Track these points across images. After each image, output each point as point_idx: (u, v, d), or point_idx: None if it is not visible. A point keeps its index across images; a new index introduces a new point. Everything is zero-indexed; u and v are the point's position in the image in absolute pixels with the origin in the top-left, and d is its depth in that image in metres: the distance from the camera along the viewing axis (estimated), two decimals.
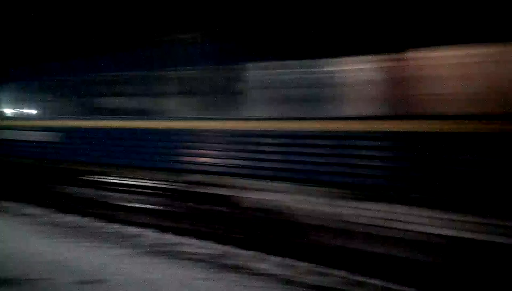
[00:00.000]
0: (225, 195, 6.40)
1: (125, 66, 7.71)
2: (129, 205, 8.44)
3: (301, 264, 5.41)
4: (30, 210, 8.93)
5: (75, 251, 5.90)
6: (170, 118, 6.92)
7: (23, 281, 4.18)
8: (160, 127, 7.00)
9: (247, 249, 6.03)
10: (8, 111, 10.27)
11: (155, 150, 7.02)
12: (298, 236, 5.75)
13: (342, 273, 5.01)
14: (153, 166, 7.09)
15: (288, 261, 5.53)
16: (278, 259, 5.63)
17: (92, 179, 8.76)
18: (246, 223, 6.37)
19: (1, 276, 4.15)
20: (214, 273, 5.03)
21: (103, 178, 8.52)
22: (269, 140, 5.78)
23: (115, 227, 7.45)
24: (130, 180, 8.05)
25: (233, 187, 6.23)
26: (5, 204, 9.55)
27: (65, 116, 8.67)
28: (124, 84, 7.88)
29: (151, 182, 7.66)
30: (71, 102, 8.79)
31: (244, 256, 5.86)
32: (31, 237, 6.63)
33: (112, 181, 8.48)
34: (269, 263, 5.51)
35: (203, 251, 6.05)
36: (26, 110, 9.90)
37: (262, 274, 5.09)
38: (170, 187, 7.27)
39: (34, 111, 9.74)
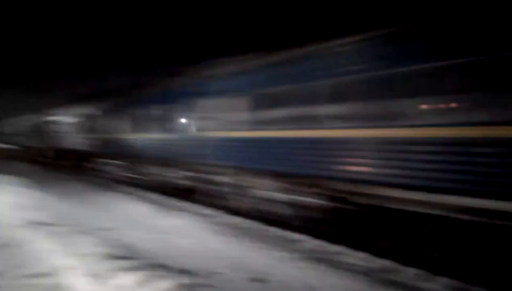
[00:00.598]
0: (391, 208, 5.95)
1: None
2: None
3: (474, 288, 4.77)
4: (206, 210, 10.20)
5: (243, 250, 6.47)
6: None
7: (201, 273, 4.78)
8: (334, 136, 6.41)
9: (409, 265, 5.61)
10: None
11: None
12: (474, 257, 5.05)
13: None
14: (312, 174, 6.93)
15: (459, 283, 4.94)
16: (446, 280, 5.09)
17: None
18: (411, 238, 5.91)
19: (183, 267, 4.84)
20: (377, 288, 4.83)
21: None
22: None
23: (277, 230, 7.86)
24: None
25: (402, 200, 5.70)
26: (181, 204, 11.17)
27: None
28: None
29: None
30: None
31: (406, 273, 5.47)
32: (207, 234, 7.55)
33: None
34: (438, 284, 5.01)
35: (362, 263, 5.88)
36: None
37: None
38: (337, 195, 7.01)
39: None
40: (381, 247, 6.11)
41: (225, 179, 9.55)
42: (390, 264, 5.75)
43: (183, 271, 4.39)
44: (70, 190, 12.86)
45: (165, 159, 11.90)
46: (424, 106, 5.41)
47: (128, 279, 3.60)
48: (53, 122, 25.55)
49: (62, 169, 22.12)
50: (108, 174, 16.90)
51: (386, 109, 5.70)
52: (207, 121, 9.68)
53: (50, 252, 4.61)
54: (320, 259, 6.09)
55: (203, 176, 10.59)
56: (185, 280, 3.62)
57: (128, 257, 4.33)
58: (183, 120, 10.95)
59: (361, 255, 6.15)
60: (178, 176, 11.79)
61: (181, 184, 11.66)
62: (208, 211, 10.10)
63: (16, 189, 9.51)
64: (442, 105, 5.22)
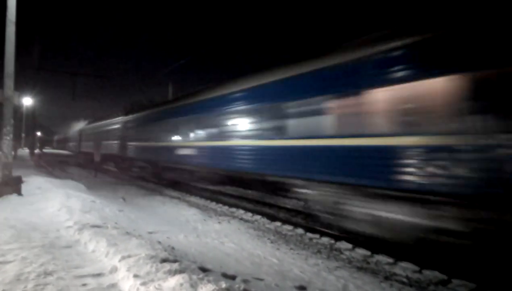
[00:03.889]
0: None
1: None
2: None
3: None
4: (247, 216, 10.29)
5: (283, 256, 6.46)
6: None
7: (243, 278, 4.82)
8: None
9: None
10: None
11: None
12: None
13: None
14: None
15: None
16: None
17: None
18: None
19: (225, 272, 4.90)
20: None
21: None
22: None
23: (325, 239, 7.80)
24: None
25: None
26: (225, 209, 11.32)
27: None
28: None
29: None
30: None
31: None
32: (249, 239, 7.61)
33: None
34: None
35: (418, 276, 5.71)
36: None
37: None
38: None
39: None
40: None
41: None
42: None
43: (225, 276, 4.46)
44: (116, 194, 13.39)
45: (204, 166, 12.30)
46: None
47: (172, 281, 3.69)
48: (99, 130, 26.78)
49: (108, 173, 23.10)
50: (154, 179, 17.45)
51: None
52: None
53: (100, 253, 4.83)
54: (372, 270, 5.96)
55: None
56: (228, 284, 3.67)
57: (172, 259, 4.45)
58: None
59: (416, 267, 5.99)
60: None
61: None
62: (248, 215, 10.20)
63: (66, 191, 10.04)
64: None
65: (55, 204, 8.24)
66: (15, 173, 10.29)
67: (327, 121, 7.26)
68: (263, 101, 9.24)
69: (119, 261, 4.35)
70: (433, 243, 6.46)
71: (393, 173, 5.92)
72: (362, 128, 6.50)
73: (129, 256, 4.45)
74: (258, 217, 9.96)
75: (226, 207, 11.51)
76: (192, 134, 13.05)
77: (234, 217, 10.10)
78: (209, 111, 11.78)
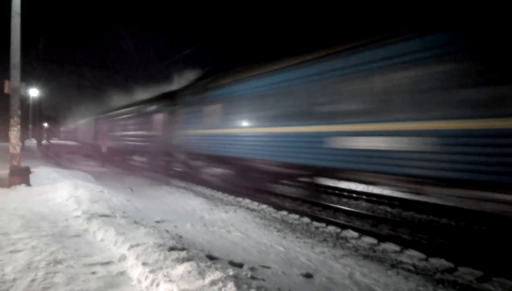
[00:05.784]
0: None
1: None
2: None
3: None
4: (253, 205, 10.33)
5: (289, 244, 6.50)
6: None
7: (250, 266, 4.86)
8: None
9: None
10: None
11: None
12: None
13: None
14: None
15: None
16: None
17: None
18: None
19: (232, 260, 4.93)
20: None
21: None
22: None
23: (331, 228, 7.81)
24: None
25: None
26: (231, 198, 11.36)
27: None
28: None
29: None
30: None
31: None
32: (255, 228, 7.65)
33: None
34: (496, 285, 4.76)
35: (424, 264, 5.71)
36: None
37: None
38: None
39: None
40: None
41: None
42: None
43: (232, 264, 4.50)
44: (124, 184, 13.47)
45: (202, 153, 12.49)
46: None
47: (180, 269, 3.73)
48: (106, 121, 26.84)
49: (115, 164, 23.23)
50: (161, 169, 17.49)
51: None
52: None
53: (109, 242, 4.89)
54: (378, 258, 5.97)
55: None
56: (235, 272, 3.70)
57: (180, 248, 4.49)
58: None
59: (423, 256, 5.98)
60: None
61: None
62: (255, 205, 10.23)
63: (74, 182, 10.12)
64: None
65: (63, 194, 8.32)
66: (23, 163, 10.38)
67: None
68: None
69: (128, 249, 4.40)
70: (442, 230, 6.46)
71: None
72: None
73: (137, 245, 4.49)
74: (264, 206, 10.00)
75: (232, 197, 11.56)
76: None
77: (240, 206, 10.15)
78: None
